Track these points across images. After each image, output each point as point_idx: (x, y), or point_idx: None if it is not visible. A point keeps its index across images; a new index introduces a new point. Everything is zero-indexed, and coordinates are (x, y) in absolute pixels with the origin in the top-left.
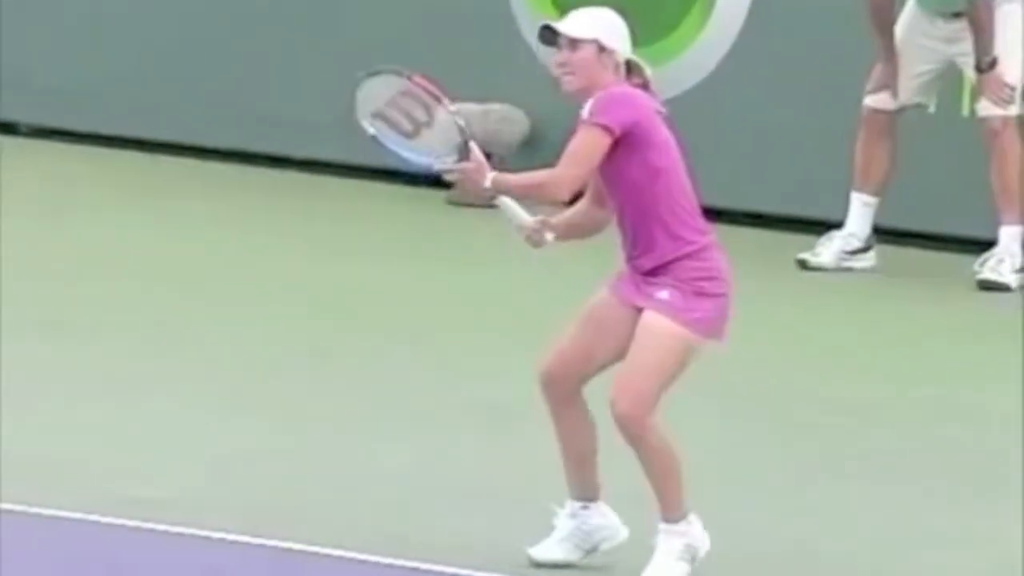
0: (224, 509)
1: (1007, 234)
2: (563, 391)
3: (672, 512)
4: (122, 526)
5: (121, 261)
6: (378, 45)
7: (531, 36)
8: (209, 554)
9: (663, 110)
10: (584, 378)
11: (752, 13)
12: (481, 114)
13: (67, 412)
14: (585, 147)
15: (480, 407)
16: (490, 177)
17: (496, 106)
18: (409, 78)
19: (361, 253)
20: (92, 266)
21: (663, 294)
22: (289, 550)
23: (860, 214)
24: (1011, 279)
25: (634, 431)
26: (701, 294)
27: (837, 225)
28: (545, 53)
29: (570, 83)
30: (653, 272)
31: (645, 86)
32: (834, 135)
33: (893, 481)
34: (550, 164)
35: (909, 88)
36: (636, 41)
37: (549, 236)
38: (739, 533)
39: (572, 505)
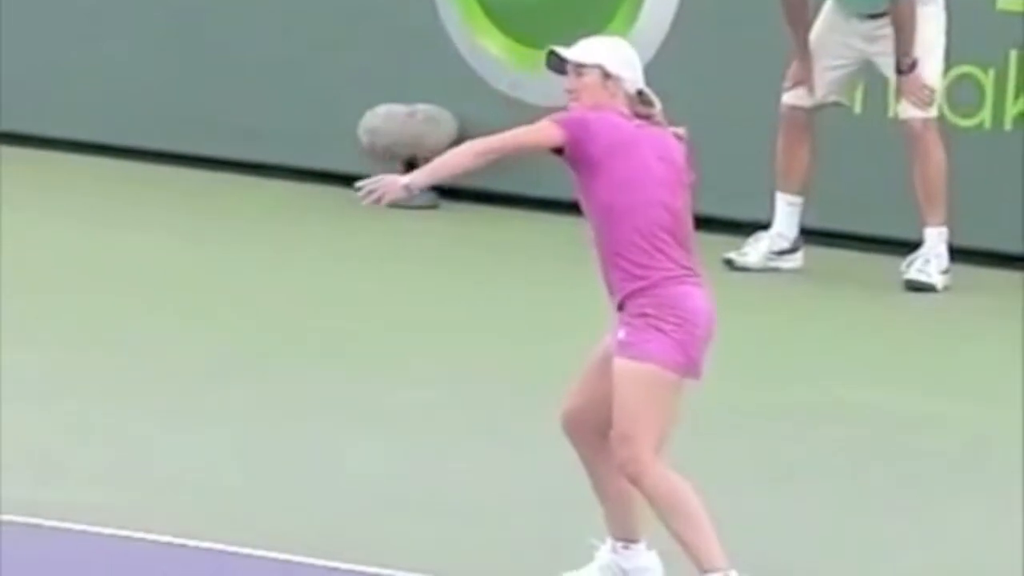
0: (175, 515)
1: (932, 235)
2: (582, 437)
3: (702, 563)
4: (68, 530)
5: (53, 266)
6: (305, 46)
7: (457, 37)
8: (160, 559)
9: (671, 143)
10: (600, 424)
11: (679, 16)
12: (407, 115)
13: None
14: (525, 128)
15: (429, 408)
16: (405, 180)
17: (423, 107)
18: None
19: (290, 256)
20: (26, 272)
21: (620, 334)
22: (248, 556)
23: (786, 214)
24: (937, 280)
25: (630, 474)
26: (653, 328)
27: (766, 227)
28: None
29: (577, 109)
30: (620, 308)
31: (650, 118)
32: (761, 136)
33: (821, 484)
34: None
35: (823, 84)
36: (562, 42)
37: None
38: (662, 537)
39: (613, 543)
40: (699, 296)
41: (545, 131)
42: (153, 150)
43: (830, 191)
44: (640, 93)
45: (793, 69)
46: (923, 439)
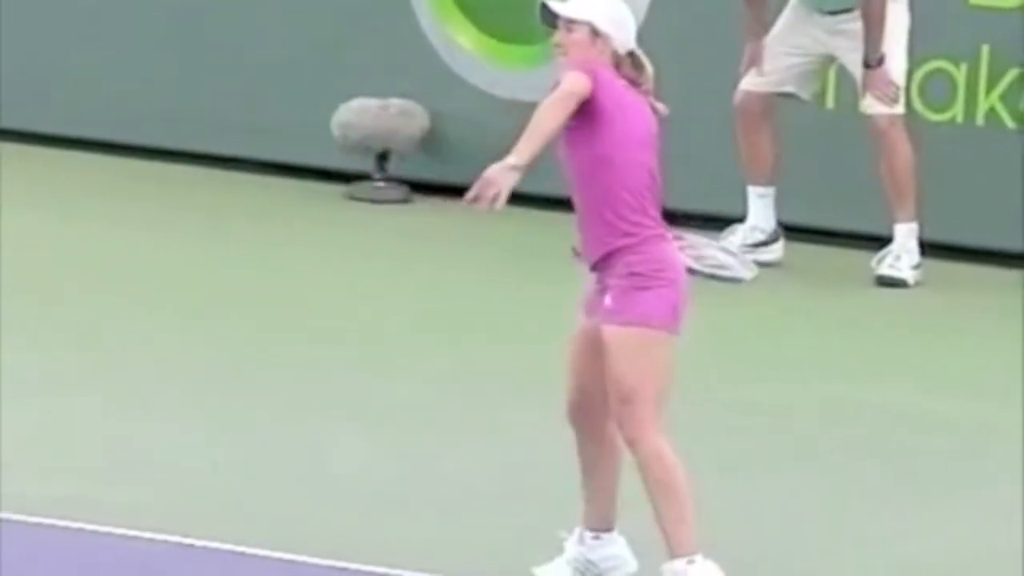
0: (171, 513)
1: (902, 231)
2: (587, 423)
3: (673, 545)
4: (66, 527)
5: (52, 264)
6: (279, 40)
7: (431, 31)
8: (158, 558)
9: (653, 108)
10: (603, 402)
11: (652, 9)
12: (380, 109)
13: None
14: (566, 86)
15: (418, 406)
16: (505, 163)
17: (395, 101)
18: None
19: (264, 247)
20: (25, 270)
21: (607, 300)
22: (243, 553)
23: (758, 206)
24: (909, 275)
25: (629, 438)
26: (640, 288)
27: (742, 221)
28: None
29: (563, 64)
30: (598, 267)
31: (636, 83)
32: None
33: (797, 480)
34: (450, 159)
35: (779, 70)
36: (529, 39)
37: None
38: (644, 523)
39: (583, 534)
40: (678, 255)
41: (581, 80)
42: (148, 147)
43: (801, 186)
44: (631, 55)
45: (747, 50)
46: (903, 433)
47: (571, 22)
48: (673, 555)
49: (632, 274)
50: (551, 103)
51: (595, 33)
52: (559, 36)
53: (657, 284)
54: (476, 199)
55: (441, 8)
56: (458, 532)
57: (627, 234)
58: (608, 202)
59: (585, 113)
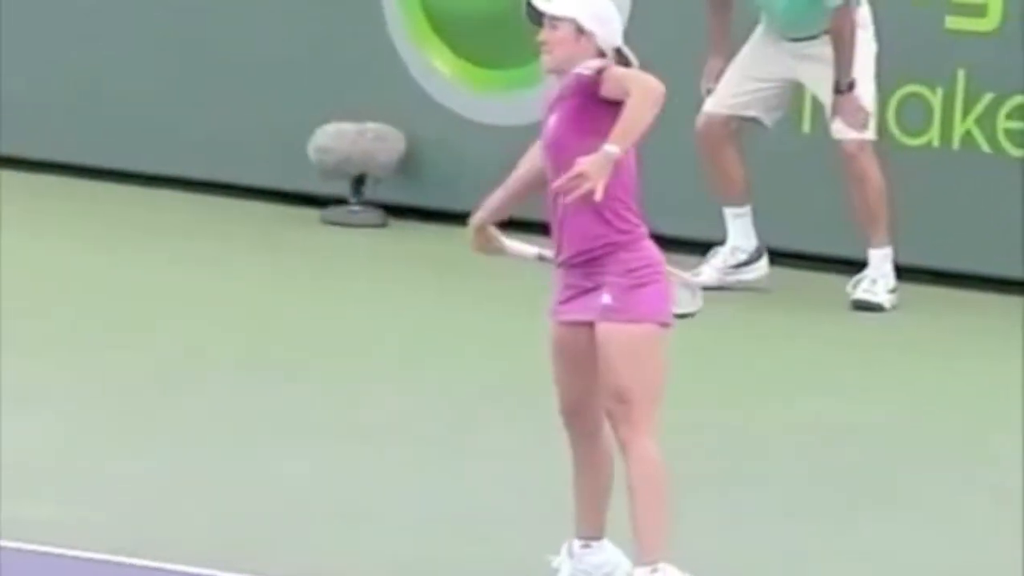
0: (110, 530)
1: (876, 256)
2: (583, 421)
3: (644, 551)
4: (4, 548)
5: (27, 281)
6: (254, 63)
7: (407, 56)
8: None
9: None
10: (600, 404)
11: (631, 27)
12: (356, 133)
13: None
14: (649, 80)
15: (372, 426)
16: (606, 153)
17: (372, 125)
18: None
19: (241, 272)
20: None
21: (604, 298)
22: (172, 571)
23: (736, 226)
24: (885, 299)
25: (623, 438)
26: (639, 285)
27: (722, 244)
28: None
29: (548, 61)
30: (579, 264)
31: None
32: None
33: (771, 499)
34: (426, 183)
35: (744, 93)
36: (506, 63)
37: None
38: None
39: (573, 545)
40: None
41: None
42: (126, 171)
43: (777, 209)
44: (619, 53)
45: (707, 69)
46: (890, 451)
47: (555, 19)
48: (639, 560)
49: (630, 271)
50: (648, 100)
51: (579, 30)
52: (544, 34)
53: (654, 280)
54: (568, 190)
55: (418, 33)
56: (445, 551)
57: (622, 231)
58: (606, 200)
59: (599, 111)
